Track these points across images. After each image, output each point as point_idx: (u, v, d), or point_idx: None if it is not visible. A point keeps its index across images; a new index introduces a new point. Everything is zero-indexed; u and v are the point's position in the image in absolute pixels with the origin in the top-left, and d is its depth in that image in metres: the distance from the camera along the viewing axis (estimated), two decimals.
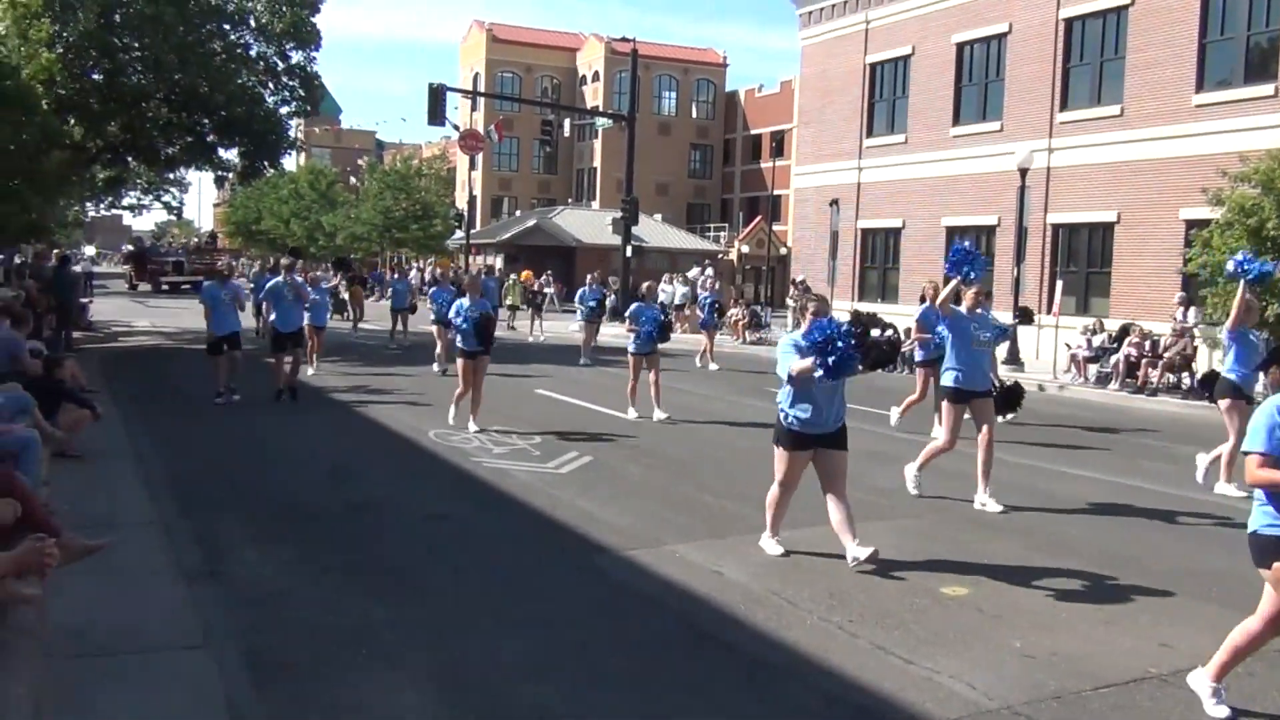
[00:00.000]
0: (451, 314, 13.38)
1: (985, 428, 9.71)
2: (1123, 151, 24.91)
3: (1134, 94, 24.84)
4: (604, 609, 6.71)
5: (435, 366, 20.10)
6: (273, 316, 15.99)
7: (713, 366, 22.74)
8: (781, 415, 7.77)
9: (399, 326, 25.78)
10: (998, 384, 11.39)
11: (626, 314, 15.36)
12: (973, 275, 9.61)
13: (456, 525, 8.75)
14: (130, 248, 78.16)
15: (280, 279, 16.02)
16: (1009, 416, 13.69)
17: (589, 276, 26.14)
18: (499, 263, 54.89)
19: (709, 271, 35.22)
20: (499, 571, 7.44)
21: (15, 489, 6.06)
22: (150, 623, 6.07)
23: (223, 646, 5.77)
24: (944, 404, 10.20)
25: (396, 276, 28.13)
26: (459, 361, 13.30)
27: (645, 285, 16.02)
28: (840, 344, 7.17)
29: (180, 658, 5.63)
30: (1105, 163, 25.35)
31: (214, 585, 6.86)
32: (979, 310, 9.93)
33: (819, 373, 7.24)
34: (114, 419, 12.68)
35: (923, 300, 14.98)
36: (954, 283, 9.68)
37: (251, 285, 28.63)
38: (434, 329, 20.80)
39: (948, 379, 9.81)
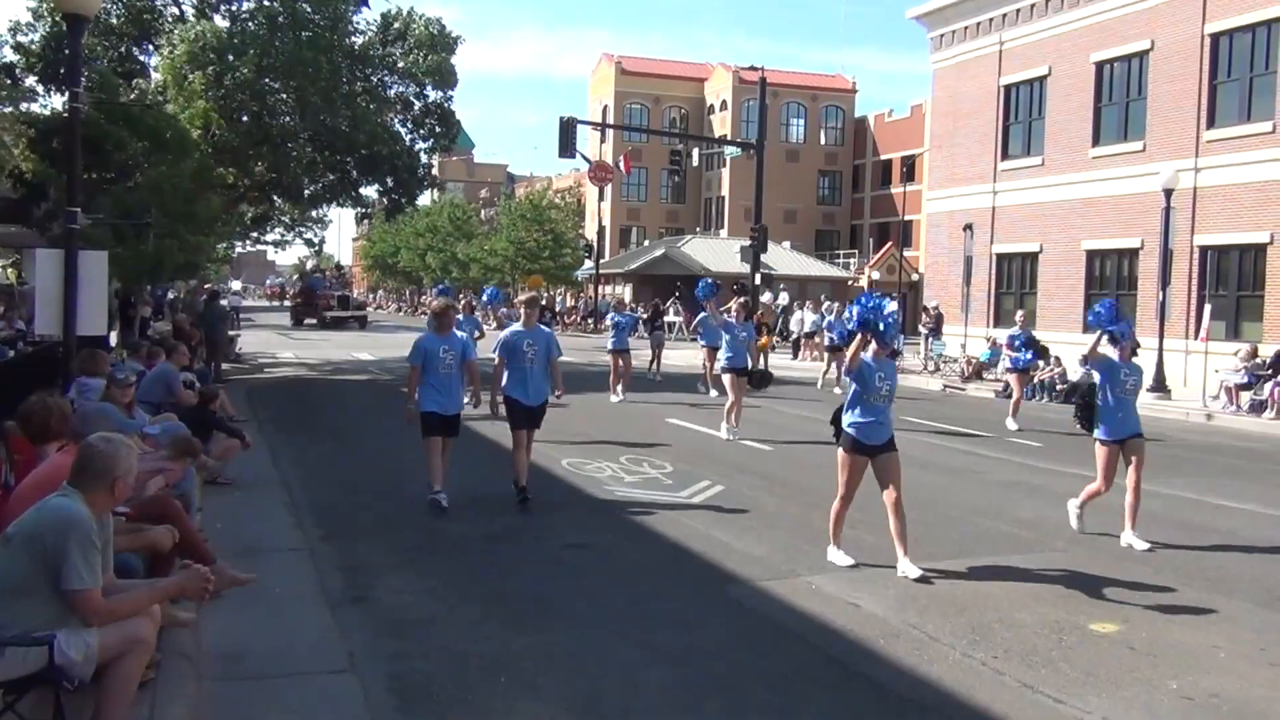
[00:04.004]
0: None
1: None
2: (1275, 170, 23.87)
3: None
4: (742, 641, 6.64)
5: (703, 389, 21.05)
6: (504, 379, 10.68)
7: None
8: None
9: (622, 368, 20.91)
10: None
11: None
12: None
13: (592, 555, 8.78)
14: (281, 282, 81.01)
15: (519, 327, 10.77)
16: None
17: (835, 305, 24.11)
18: (628, 293, 55.34)
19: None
20: (636, 602, 7.43)
21: (173, 515, 6.34)
22: (298, 647, 6.26)
23: (368, 672, 5.90)
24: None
25: (614, 311, 23.75)
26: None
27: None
28: None
29: (327, 682, 5.78)
30: (1256, 181, 24.31)
31: (358, 611, 7.02)
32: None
33: None
34: (260, 448, 13.13)
35: None
36: None
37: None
38: (719, 375, 17.19)
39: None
